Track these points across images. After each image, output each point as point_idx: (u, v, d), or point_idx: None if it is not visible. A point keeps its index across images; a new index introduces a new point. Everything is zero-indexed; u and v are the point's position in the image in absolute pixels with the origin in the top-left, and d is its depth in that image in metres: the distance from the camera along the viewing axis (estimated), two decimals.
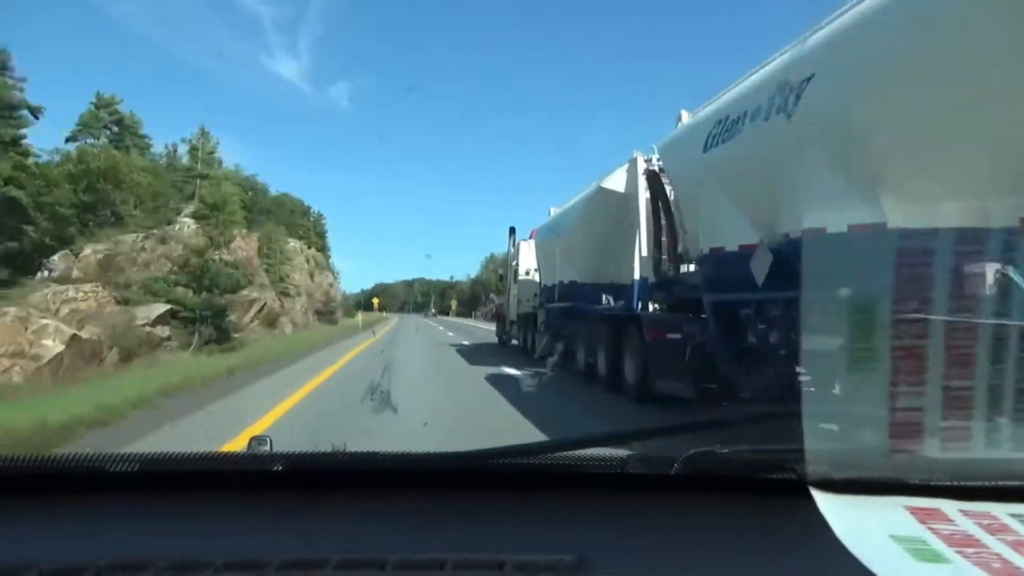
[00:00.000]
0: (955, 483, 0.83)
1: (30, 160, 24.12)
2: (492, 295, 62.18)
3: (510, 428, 6.34)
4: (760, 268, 5.31)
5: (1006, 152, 3.46)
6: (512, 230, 19.23)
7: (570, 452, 1.01)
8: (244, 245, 31.39)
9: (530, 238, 17.57)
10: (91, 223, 24.70)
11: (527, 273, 17.17)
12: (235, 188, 36.19)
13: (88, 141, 31.69)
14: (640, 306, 9.49)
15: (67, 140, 31.67)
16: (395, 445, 1.09)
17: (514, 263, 18.48)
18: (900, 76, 3.94)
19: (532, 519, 0.94)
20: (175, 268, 22.93)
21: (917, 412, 0.75)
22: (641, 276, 9.64)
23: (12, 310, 14.82)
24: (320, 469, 1.03)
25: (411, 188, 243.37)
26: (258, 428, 6.26)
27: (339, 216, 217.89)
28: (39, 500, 0.99)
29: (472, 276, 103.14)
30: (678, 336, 7.28)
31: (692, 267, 7.96)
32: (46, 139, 58.53)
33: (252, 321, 27.40)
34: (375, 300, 62.31)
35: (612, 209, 10.45)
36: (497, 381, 10.62)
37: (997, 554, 0.69)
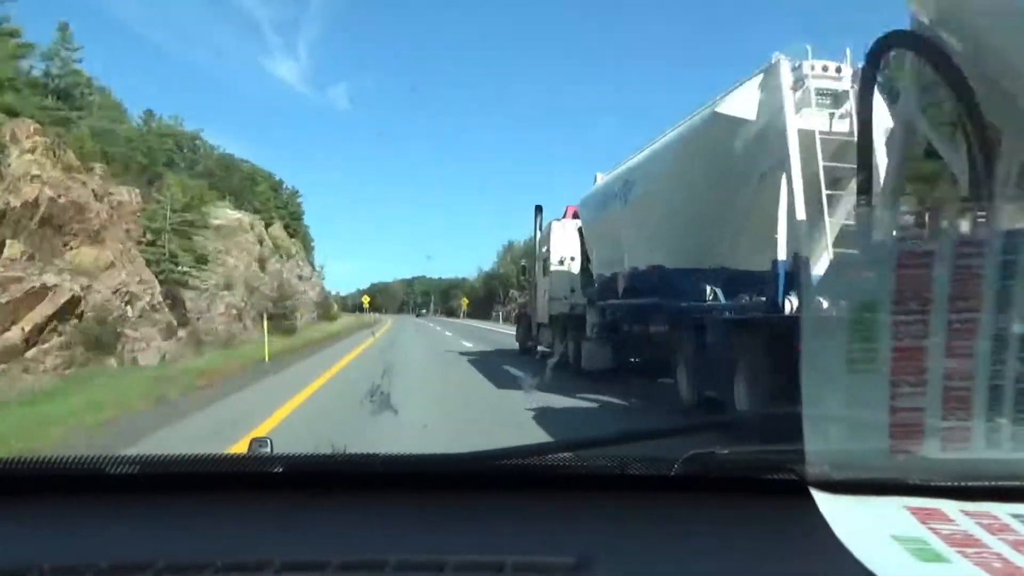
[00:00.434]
0: (956, 483, 0.83)
1: None
2: (513, 292, 54.89)
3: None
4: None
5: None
6: (538, 209, 15.14)
7: (570, 453, 1.01)
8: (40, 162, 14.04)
9: (565, 217, 14.03)
10: None
11: (561, 263, 13.57)
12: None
13: None
14: (790, 302, 5.70)
15: None
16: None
17: (543, 250, 14.42)
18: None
19: (532, 520, 0.94)
20: None
21: (917, 412, 0.75)
22: (795, 255, 5.95)
23: None
24: (320, 471, 1.03)
25: (411, 187, 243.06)
26: None
27: (338, 215, 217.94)
28: (39, 501, 0.99)
29: (485, 270, 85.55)
30: None
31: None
32: None
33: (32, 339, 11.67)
34: (365, 299, 52.13)
35: (732, 150, 6.73)
36: (554, 419, 6.98)
37: (998, 554, 0.69)
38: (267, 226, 38.30)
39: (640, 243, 8.86)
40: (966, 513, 0.78)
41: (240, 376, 12.61)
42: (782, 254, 6.15)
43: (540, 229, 15.06)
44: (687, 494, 0.97)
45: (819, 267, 5.72)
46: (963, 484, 0.83)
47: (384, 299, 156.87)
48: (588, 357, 11.25)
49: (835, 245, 5.72)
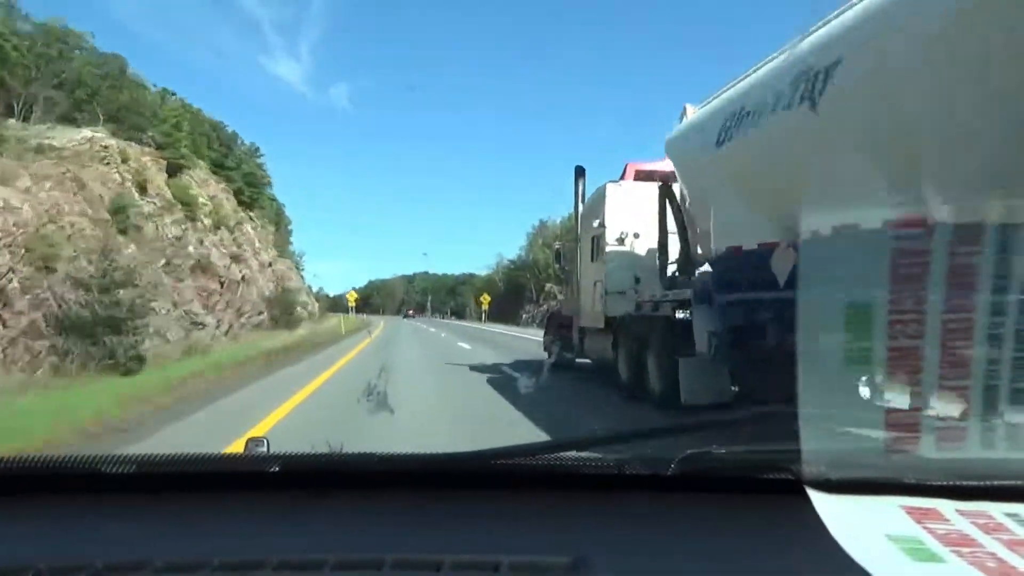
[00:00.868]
0: (951, 483, 0.83)
1: None
2: (551, 287, 41.51)
3: None
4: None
5: None
6: (580, 172, 11.00)
7: (567, 453, 1.01)
8: None
9: (624, 179, 9.97)
10: None
11: (620, 241, 9.56)
12: None
13: None
14: None
15: None
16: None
17: (594, 224, 10.08)
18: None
19: (529, 520, 0.94)
20: None
21: (913, 412, 0.75)
22: None
23: None
24: (316, 470, 1.03)
25: (412, 184, 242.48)
26: None
27: (336, 214, 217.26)
28: (36, 501, 0.99)
29: (509, 259, 66.69)
30: None
31: None
32: None
33: None
34: (352, 296, 38.11)
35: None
36: None
37: (992, 553, 0.69)
38: (176, 172, 26.08)
39: (836, 180, 4.48)
40: (961, 513, 0.79)
41: None
42: None
43: (582, 199, 10.90)
44: (684, 494, 0.97)
45: None
46: (958, 483, 0.83)
47: (383, 298, 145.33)
48: (691, 385, 7.01)
49: None
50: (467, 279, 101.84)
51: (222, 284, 25.49)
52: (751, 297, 5.90)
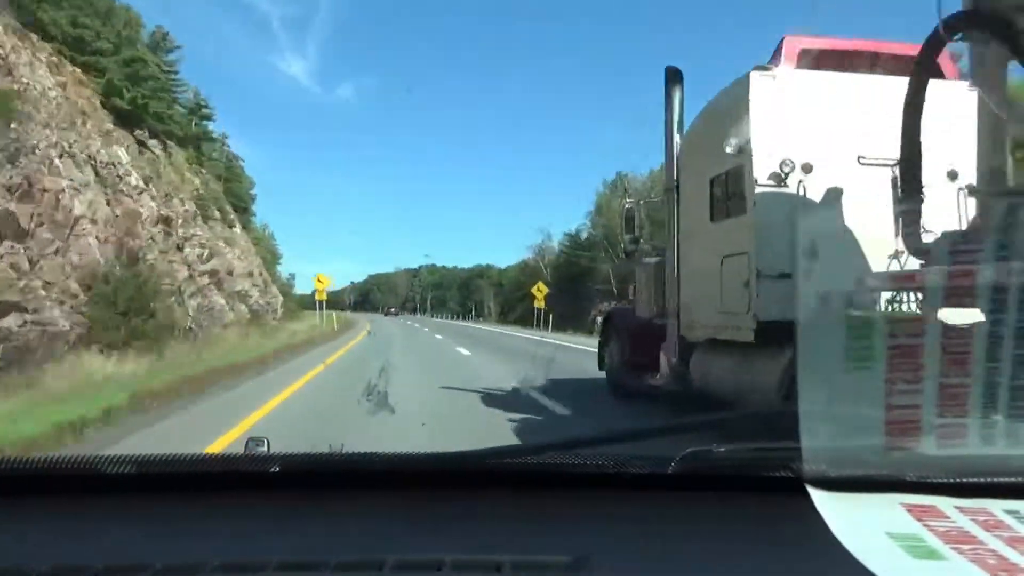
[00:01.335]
0: (951, 480, 0.83)
1: None
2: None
3: None
4: None
5: None
6: (675, 75, 6.45)
7: (567, 452, 1.01)
8: None
9: (780, 61, 5.30)
10: None
11: (780, 177, 4.93)
12: None
13: None
14: None
15: None
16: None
17: (726, 150, 5.24)
18: None
19: (530, 519, 0.94)
20: None
21: (913, 410, 0.75)
22: None
23: None
24: (317, 470, 1.03)
25: (418, 181, 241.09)
26: None
27: (337, 212, 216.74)
28: (34, 502, 0.99)
29: (567, 236, 46.87)
30: None
31: None
32: None
33: None
34: (319, 284, 28.27)
35: None
36: None
37: (992, 550, 0.70)
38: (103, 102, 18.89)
39: None
40: (961, 510, 0.79)
41: None
42: None
43: (678, 120, 6.53)
44: (684, 492, 0.97)
45: None
46: (958, 481, 0.83)
47: (384, 293, 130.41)
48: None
49: None
50: (483, 271, 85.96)
51: None
52: None
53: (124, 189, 19.05)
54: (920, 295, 3.28)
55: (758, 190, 5.03)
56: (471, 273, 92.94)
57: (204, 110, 32.52)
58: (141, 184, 20.53)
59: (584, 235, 44.09)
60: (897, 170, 4.04)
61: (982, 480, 0.84)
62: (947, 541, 0.71)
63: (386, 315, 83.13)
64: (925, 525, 0.75)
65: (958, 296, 1.90)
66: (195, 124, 31.24)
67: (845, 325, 0.85)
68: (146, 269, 17.48)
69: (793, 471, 0.87)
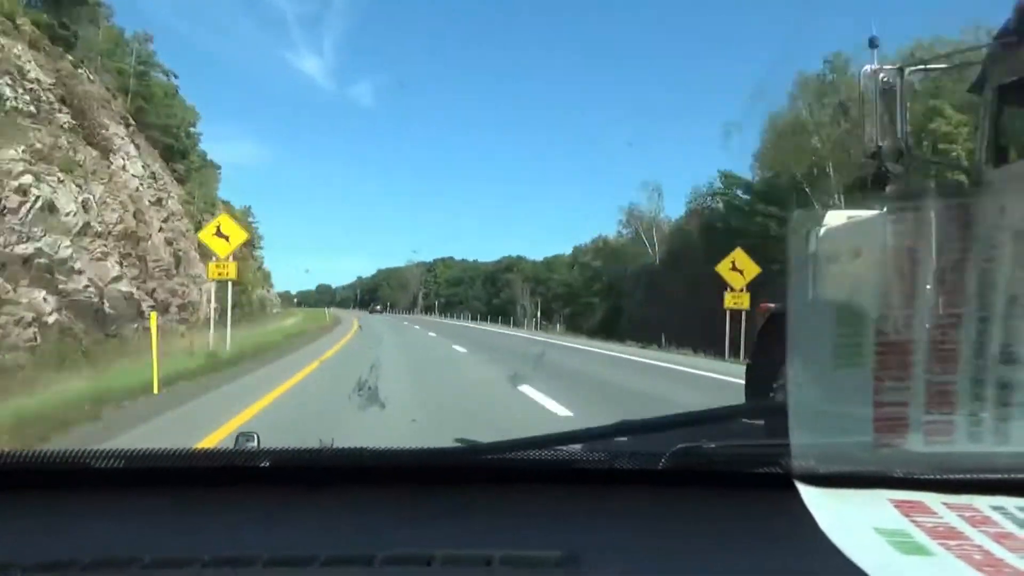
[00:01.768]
0: (938, 476, 0.84)
1: None
2: None
3: None
4: None
5: None
6: None
7: (558, 447, 1.01)
8: None
9: None
10: None
11: None
12: None
13: None
14: None
15: None
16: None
17: None
18: None
19: (520, 514, 0.94)
20: None
21: (901, 407, 0.75)
22: None
23: None
24: (307, 465, 1.03)
25: (421, 179, 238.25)
26: None
27: (337, 210, 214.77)
28: (22, 496, 0.98)
29: (721, 176, 32.65)
30: None
31: None
32: None
33: None
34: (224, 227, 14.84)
35: None
36: None
37: (979, 546, 0.70)
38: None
39: None
40: (948, 506, 0.79)
41: None
42: None
43: None
44: (674, 488, 0.97)
45: None
46: (945, 477, 0.84)
47: (393, 289, 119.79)
48: None
49: None
50: (513, 263, 69.49)
51: None
52: None
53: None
54: None
55: None
56: (496, 267, 76.88)
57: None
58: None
59: (752, 181, 25.36)
60: None
61: (969, 476, 0.84)
62: (934, 537, 0.72)
63: (371, 313, 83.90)
64: (912, 521, 0.75)
65: None
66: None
67: (835, 320, 0.86)
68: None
69: (782, 467, 0.87)
